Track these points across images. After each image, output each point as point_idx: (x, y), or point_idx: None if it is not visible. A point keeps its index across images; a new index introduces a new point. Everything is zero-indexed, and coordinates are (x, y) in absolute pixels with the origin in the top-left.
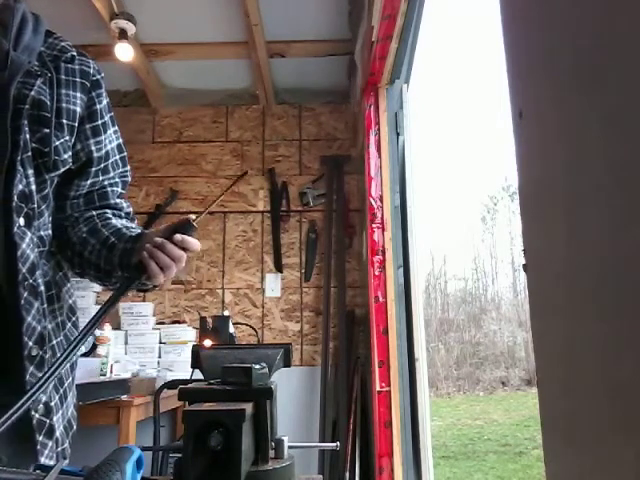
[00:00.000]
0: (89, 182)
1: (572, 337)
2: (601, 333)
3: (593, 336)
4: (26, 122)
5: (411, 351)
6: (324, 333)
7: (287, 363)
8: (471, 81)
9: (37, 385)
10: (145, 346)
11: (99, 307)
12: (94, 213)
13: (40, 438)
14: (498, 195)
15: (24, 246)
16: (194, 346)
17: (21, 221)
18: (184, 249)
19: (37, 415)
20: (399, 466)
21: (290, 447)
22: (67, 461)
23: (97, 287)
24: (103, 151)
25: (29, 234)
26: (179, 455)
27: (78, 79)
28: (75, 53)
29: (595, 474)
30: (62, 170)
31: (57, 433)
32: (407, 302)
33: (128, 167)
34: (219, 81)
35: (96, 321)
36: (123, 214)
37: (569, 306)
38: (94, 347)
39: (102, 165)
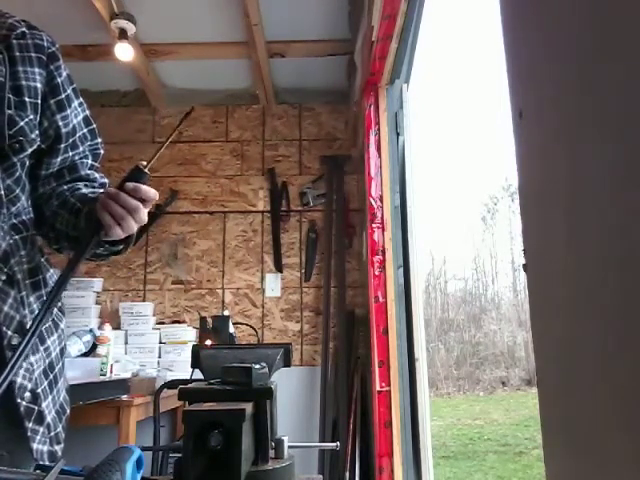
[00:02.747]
0: (59, 159)
1: (572, 337)
2: (601, 333)
3: (593, 336)
4: (11, 110)
5: (411, 351)
6: (324, 333)
7: (287, 363)
8: (471, 81)
9: (17, 354)
10: (145, 346)
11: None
12: (65, 187)
13: (30, 425)
14: (498, 195)
15: None
16: (194, 346)
17: None
18: (142, 200)
19: (24, 402)
20: (399, 466)
21: (290, 447)
22: (63, 461)
23: (97, 287)
24: (70, 126)
25: None
26: (179, 455)
27: (33, 54)
28: (25, 28)
29: (595, 474)
30: (30, 150)
31: (48, 419)
32: (407, 302)
33: (99, 139)
34: (219, 81)
35: (62, 284)
36: (97, 185)
37: (569, 306)
38: (94, 347)
39: (70, 140)
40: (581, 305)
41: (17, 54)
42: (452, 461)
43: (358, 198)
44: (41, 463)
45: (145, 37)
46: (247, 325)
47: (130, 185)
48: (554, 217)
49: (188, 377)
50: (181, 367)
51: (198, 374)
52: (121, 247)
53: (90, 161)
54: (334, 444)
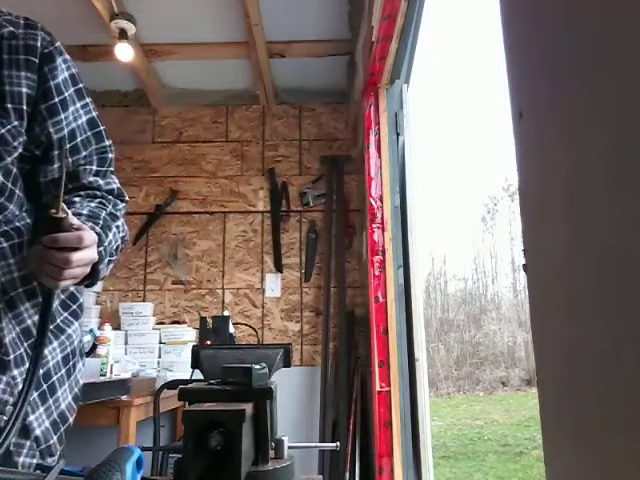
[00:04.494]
0: (56, 166)
1: (572, 337)
2: (601, 333)
3: (593, 336)
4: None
5: (411, 351)
6: (324, 333)
7: (287, 363)
8: (471, 81)
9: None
10: (145, 346)
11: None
12: (65, 198)
13: (13, 439)
14: (498, 195)
15: None
16: (194, 346)
17: None
18: (63, 248)
19: (4, 417)
20: (399, 466)
21: (290, 447)
22: (63, 461)
23: (97, 287)
24: (65, 131)
25: None
26: (179, 455)
27: (22, 56)
28: (15, 29)
29: (595, 474)
30: (9, 159)
31: (37, 432)
32: (407, 302)
33: (107, 142)
34: (219, 81)
35: (40, 341)
36: (99, 193)
37: (569, 306)
38: (94, 347)
39: (68, 146)
40: (581, 305)
41: (5, 57)
42: (452, 461)
43: (358, 198)
44: (41, 463)
45: (145, 37)
46: (247, 325)
47: (47, 239)
48: (554, 217)
49: (188, 377)
50: (181, 367)
51: (198, 374)
52: (87, 282)
53: (95, 167)
54: (334, 444)
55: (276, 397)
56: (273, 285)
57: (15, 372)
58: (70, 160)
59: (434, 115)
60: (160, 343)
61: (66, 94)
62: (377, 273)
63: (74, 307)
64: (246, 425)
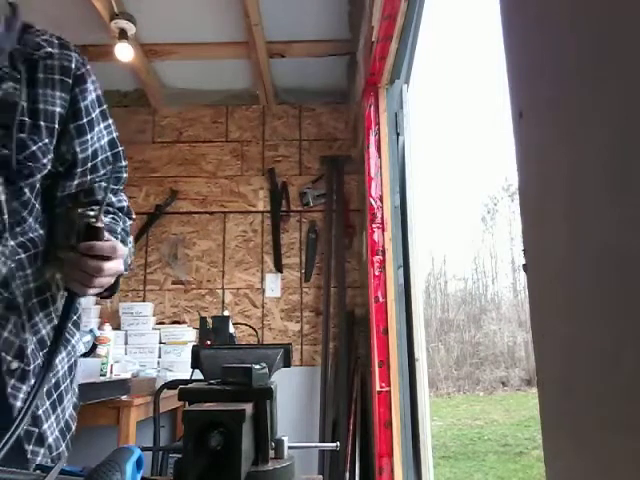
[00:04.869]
0: (76, 182)
1: (572, 337)
2: (601, 333)
3: (593, 336)
4: (24, 134)
5: (411, 351)
6: (324, 333)
7: (287, 363)
8: (471, 81)
9: (19, 419)
10: (145, 346)
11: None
12: (78, 211)
13: (30, 447)
14: (498, 195)
15: None
16: (194, 346)
17: None
18: (97, 256)
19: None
20: (399, 466)
21: (290, 447)
22: (63, 461)
23: None
24: (89, 151)
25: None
26: (179, 455)
27: (57, 76)
28: (51, 49)
29: (595, 474)
30: (39, 176)
31: (50, 440)
32: (407, 302)
33: (124, 162)
34: (219, 81)
35: (54, 351)
36: (112, 209)
37: (569, 306)
38: (94, 347)
39: (89, 164)
40: (581, 305)
41: (40, 75)
42: (452, 461)
43: (358, 198)
44: (41, 463)
45: (145, 37)
46: (247, 325)
47: (84, 247)
48: (554, 217)
49: (188, 377)
50: (181, 367)
51: (198, 374)
52: (107, 294)
53: (110, 185)
54: (334, 444)
55: (276, 397)
56: (273, 285)
57: (34, 382)
58: (89, 177)
59: (434, 115)
60: (160, 343)
61: (93, 115)
62: (377, 273)
63: (75, 318)
64: (246, 425)
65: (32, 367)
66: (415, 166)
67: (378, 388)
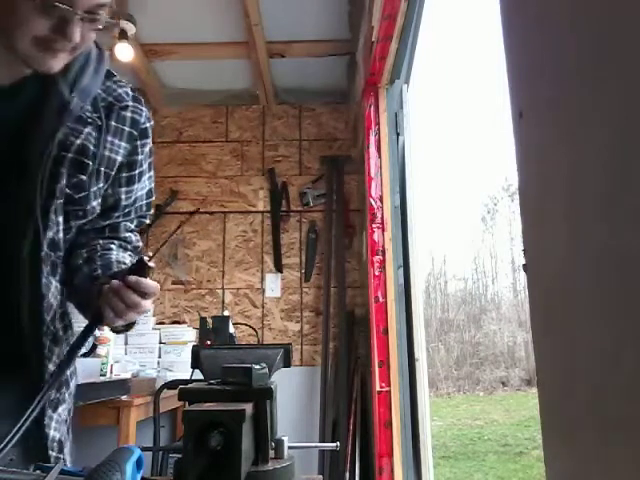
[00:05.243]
0: (107, 222)
1: (572, 337)
2: (601, 333)
3: (593, 336)
4: (65, 170)
5: (411, 351)
6: (324, 333)
7: (287, 363)
8: (471, 81)
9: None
10: (145, 346)
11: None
12: (100, 241)
13: (54, 453)
14: (498, 195)
15: (50, 296)
16: (194, 346)
17: (48, 270)
18: (141, 292)
19: (54, 454)
20: (399, 466)
21: (290, 447)
22: (63, 461)
23: None
24: (132, 199)
25: (54, 282)
26: (179, 455)
27: (127, 128)
28: (130, 102)
29: (595, 474)
30: (90, 217)
31: (65, 450)
32: (407, 302)
33: (150, 211)
34: (219, 81)
35: (62, 370)
36: (130, 247)
37: (569, 306)
38: (94, 347)
39: (126, 210)
40: (581, 305)
41: (113, 123)
42: (452, 461)
43: (358, 198)
44: (41, 463)
45: (145, 37)
46: (247, 325)
47: (132, 279)
48: (554, 217)
49: (188, 377)
50: (181, 367)
51: (198, 374)
52: (121, 329)
53: (133, 225)
54: (334, 444)
55: (276, 397)
56: (273, 285)
57: (60, 409)
58: (121, 219)
59: (434, 115)
60: (160, 343)
61: (145, 166)
62: (377, 273)
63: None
64: (246, 425)
65: (63, 397)
66: (415, 166)
67: (378, 388)
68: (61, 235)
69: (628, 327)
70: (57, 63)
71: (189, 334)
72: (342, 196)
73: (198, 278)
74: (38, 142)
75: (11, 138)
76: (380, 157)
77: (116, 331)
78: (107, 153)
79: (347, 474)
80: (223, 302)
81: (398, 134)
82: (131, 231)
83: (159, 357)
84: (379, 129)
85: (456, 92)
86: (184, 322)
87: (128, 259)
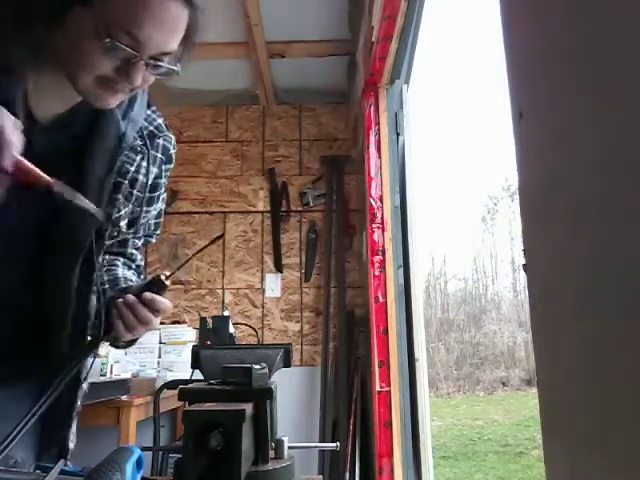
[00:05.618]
0: (119, 238)
1: (572, 337)
2: (601, 333)
3: (593, 336)
4: (121, 197)
5: (411, 351)
6: (324, 333)
7: (287, 363)
8: (471, 81)
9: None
10: (145, 346)
11: None
12: (106, 257)
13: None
14: (498, 195)
15: (90, 312)
16: (194, 346)
17: (90, 288)
18: (155, 309)
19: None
20: (399, 466)
21: (290, 447)
22: (63, 461)
23: None
24: (146, 218)
25: (94, 298)
26: (179, 455)
27: (159, 155)
28: (166, 132)
29: (595, 474)
30: (119, 238)
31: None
32: (407, 302)
33: (158, 231)
34: (219, 81)
35: (64, 377)
36: (134, 265)
37: (569, 306)
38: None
39: (139, 228)
40: (581, 305)
41: (152, 152)
42: (452, 461)
43: (358, 198)
44: (41, 463)
45: None
46: (247, 325)
47: (148, 296)
48: (554, 217)
49: (188, 377)
50: (181, 367)
51: (198, 374)
52: (122, 345)
53: (140, 243)
54: (334, 444)
55: (276, 397)
56: (273, 285)
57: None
58: (130, 235)
59: (434, 115)
60: (160, 343)
61: (163, 189)
62: (377, 273)
63: None
64: (246, 425)
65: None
66: (415, 166)
67: (378, 388)
68: (101, 258)
69: (628, 327)
70: (114, 101)
71: (189, 334)
72: (342, 196)
73: (198, 278)
74: (98, 170)
75: (69, 165)
76: (380, 157)
77: (117, 346)
78: (141, 177)
79: (347, 474)
80: (223, 302)
81: (398, 134)
82: (137, 248)
83: (159, 357)
84: (379, 129)
85: (456, 92)
86: (184, 322)
87: (133, 277)
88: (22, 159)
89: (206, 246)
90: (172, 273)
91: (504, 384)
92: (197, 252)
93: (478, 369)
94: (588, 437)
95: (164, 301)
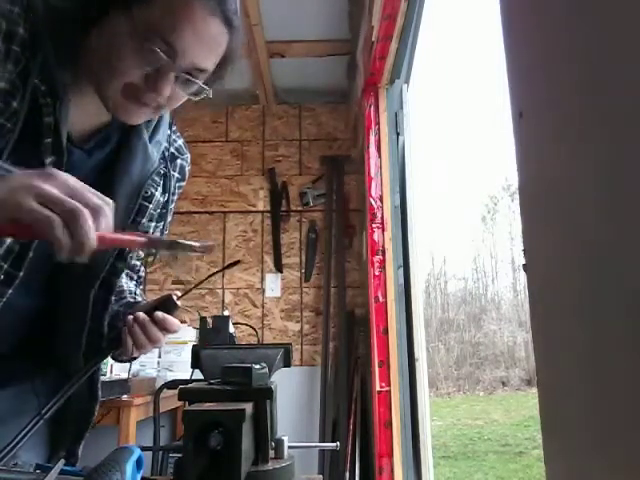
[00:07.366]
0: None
1: (572, 337)
2: (601, 333)
3: (593, 336)
4: (145, 220)
5: (411, 351)
6: (324, 333)
7: (287, 363)
8: (471, 81)
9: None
10: None
11: None
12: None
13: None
14: (498, 195)
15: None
16: (194, 346)
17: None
18: (165, 329)
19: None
20: (399, 466)
21: (290, 447)
22: (63, 461)
23: None
24: (156, 232)
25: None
26: (179, 455)
27: (177, 174)
28: (186, 154)
29: (595, 474)
30: (135, 254)
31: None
32: (407, 302)
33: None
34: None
35: (68, 389)
36: (136, 277)
37: (569, 306)
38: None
39: None
40: (581, 305)
41: (171, 173)
42: (452, 461)
43: (358, 198)
44: (41, 463)
45: None
46: (247, 325)
47: (159, 315)
48: (554, 217)
49: (188, 377)
50: (181, 367)
51: (198, 374)
52: (125, 358)
53: (143, 254)
54: (334, 444)
55: (276, 397)
56: (273, 285)
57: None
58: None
59: (434, 115)
60: None
61: (173, 203)
62: (377, 273)
63: None
64: (246, 425)
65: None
66: (415, 166)
67: (378, 388)
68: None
69: (628, 327)
70: (138, 117)
71: (189, 334)
72: (342, 196)
73: (198, 278)
74: (125, 195)
75: (97, 187)
76: (380, 157)
77: (121, 361)
78: (158, 195)
79: (347, 474)
80: (223, 302)
81: (398, 134)
82: (140, 259)
83: (159, 357)
84: (379, 129)
85: (456, 92)
86: (184, 322)
87: (137, 290)
88: (107, 234)
89: (219, 271)
90: (184, 293)
91: (504, 384)
92: (209, 276)
93: (478, 369)
94: (588, 437)
95: (175, 322)
